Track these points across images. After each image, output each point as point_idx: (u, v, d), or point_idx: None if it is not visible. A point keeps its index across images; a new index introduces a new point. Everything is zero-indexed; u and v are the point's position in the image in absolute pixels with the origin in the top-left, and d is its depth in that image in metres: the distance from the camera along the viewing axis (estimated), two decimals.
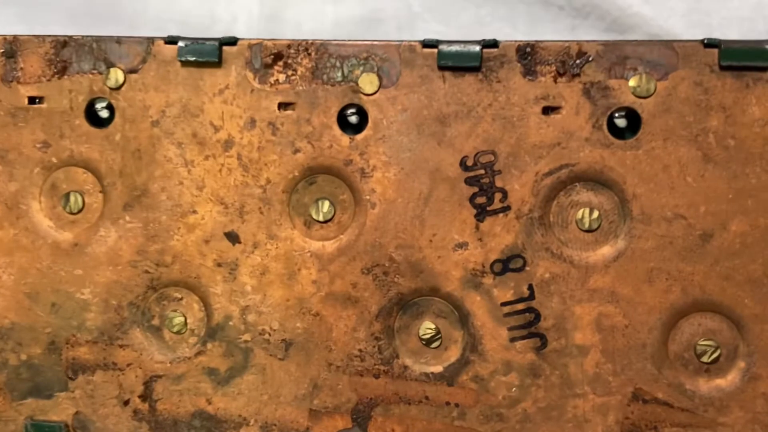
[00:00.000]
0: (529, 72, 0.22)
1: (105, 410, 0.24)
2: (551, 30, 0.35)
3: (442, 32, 0.32)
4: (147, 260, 0.24)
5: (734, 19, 0.34)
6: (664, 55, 0.22)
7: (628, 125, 0.22)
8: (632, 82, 0.22)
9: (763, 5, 0.34)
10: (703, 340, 0.22)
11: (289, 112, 0.23)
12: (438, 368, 0.23)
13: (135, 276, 0.24)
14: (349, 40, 0.23)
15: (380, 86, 0.23)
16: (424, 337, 0.23)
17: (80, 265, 0.24)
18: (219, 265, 0.23)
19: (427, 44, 0.23)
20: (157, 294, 0.24)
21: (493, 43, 0.22)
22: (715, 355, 0.22)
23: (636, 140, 0.22)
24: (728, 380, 0.22)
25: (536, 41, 0.22)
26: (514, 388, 0.23)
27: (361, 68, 0.23)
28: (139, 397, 0.24)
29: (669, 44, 0.22)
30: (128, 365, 0.24)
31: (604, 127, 0.22)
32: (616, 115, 0.22)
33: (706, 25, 0.34)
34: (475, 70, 0.22)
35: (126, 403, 0.24)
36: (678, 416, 0.22)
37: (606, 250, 0.22)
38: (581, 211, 0.22)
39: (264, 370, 0.23)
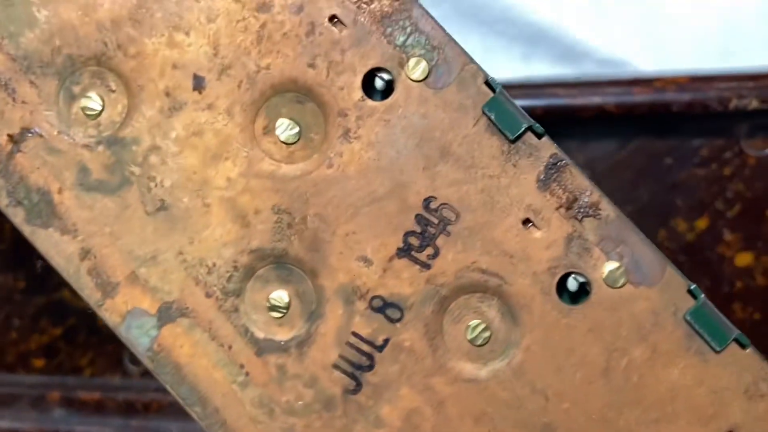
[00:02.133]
0: (544, 181, 0.21)
1: None
2: (505, 58, 0.37)
3: None
4: (114, 34, 0.22)
5: (683, 41, 0.37)
6: (652, 267, 0.21)
7: (576, 292, 0.22)
8: (609, 266, 0.21)
9: (714, 26, 0.36)
10: None
11: (334, 29, 0.21)
12: (260, 334, 0.22)
13: (93, 36, 0.22)
14: (435, 20, 0.22)
15: (423, 80, 0.21)
16: (272, 301, 0.22)
17: None
18: (168, 94, 0.22)
19: (488, 83, 0.21)
20: (97, 68, 0.22)
21: (540, 133, 0.21)
22: None
23: (569, 309, 0.21)
24: None
25: (569, 160, 0.21)
26: (300, 402, 0.22)
27: (423, 52, 0.21)
28: (9, 136, 0.22)
29: (663, 263, 0.21)
30: (23, 102, 0.22)
31: (557, 278, 0.21)
32: (573, 276, 0.21)
33: (657, 49, 0.37)
34: (507, 140, 0.21)
35: None
36: None
37: (467, 368, 0.22)
38: (479, 322, 0.22)
39: (126, 208, 0.22)
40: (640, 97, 0.31)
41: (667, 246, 0.33)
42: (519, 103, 0.30)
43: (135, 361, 0.36)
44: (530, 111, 0.29)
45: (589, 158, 0.33)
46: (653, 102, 0.31)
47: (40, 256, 0.22)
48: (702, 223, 0.32)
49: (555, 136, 0.26)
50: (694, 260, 0.32)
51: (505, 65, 0.37)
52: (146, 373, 0.36)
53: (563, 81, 0.33)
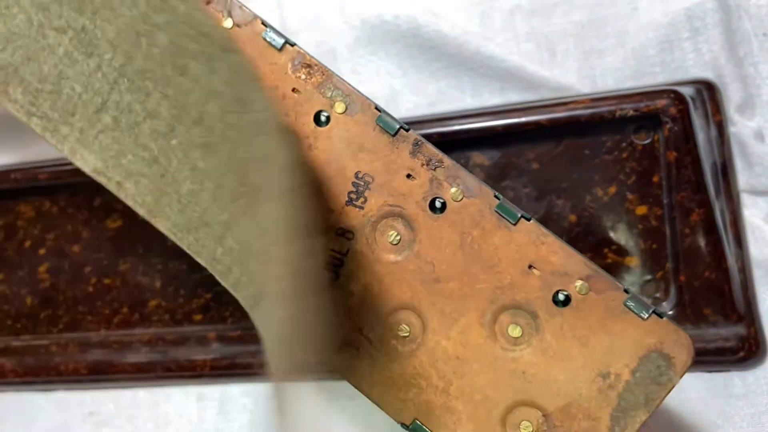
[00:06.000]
0: (413, 153, 0.40)
1: None
2: (487, 91, 0.52)
3: (415, 101, 0.50)
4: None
5: (609, 69, 0.50)
6: (475, 188, 0.40)
7: (440, 207, 0.41)
8: (452, 190, 0.40)
9: (628, 57, 0.49)
10: (405, 325, 0.41)
11: (295, 94, 0.41)
12: None
13: None
14: (345, 81, 0.41)
15: (344, 113, 0.41)
16: None
17: None
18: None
19: (377, 108, 0.41)
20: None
21: (407, 129, 0.41)
22: (406, 335, 0.41)
23: (437, 217, 0.40)
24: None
25: (424, 140, 0.40)
26: None
27: (341, 98, 0.41)
28: None
29: (479, 184, 0.40)
30: None
31: (428, 201, 0.40)
32: (437, 199, 0.41)
33: (591, 77, 0.50)
34: (391, 135, 0.41)
35: None
36: (367, 358, 0.41)
37: (391, 257, 0.41)
38: (395, 233, 0.41)
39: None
40: (560, 114, 0.48)
41: (591, 206, 0.49)
42: (490, 123, 0.47)
43: None
44: (491, 129, 0.46)
45: (537, 154, 0.50)
46: (569, 117, 0.48)
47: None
48: (612, 189, 0.49)
49: (513, 143, 0.44)
50: (609, 214, 0.49)
51: (488, 96, 0.51)
52: None
53: (516, 108, 0.50)
